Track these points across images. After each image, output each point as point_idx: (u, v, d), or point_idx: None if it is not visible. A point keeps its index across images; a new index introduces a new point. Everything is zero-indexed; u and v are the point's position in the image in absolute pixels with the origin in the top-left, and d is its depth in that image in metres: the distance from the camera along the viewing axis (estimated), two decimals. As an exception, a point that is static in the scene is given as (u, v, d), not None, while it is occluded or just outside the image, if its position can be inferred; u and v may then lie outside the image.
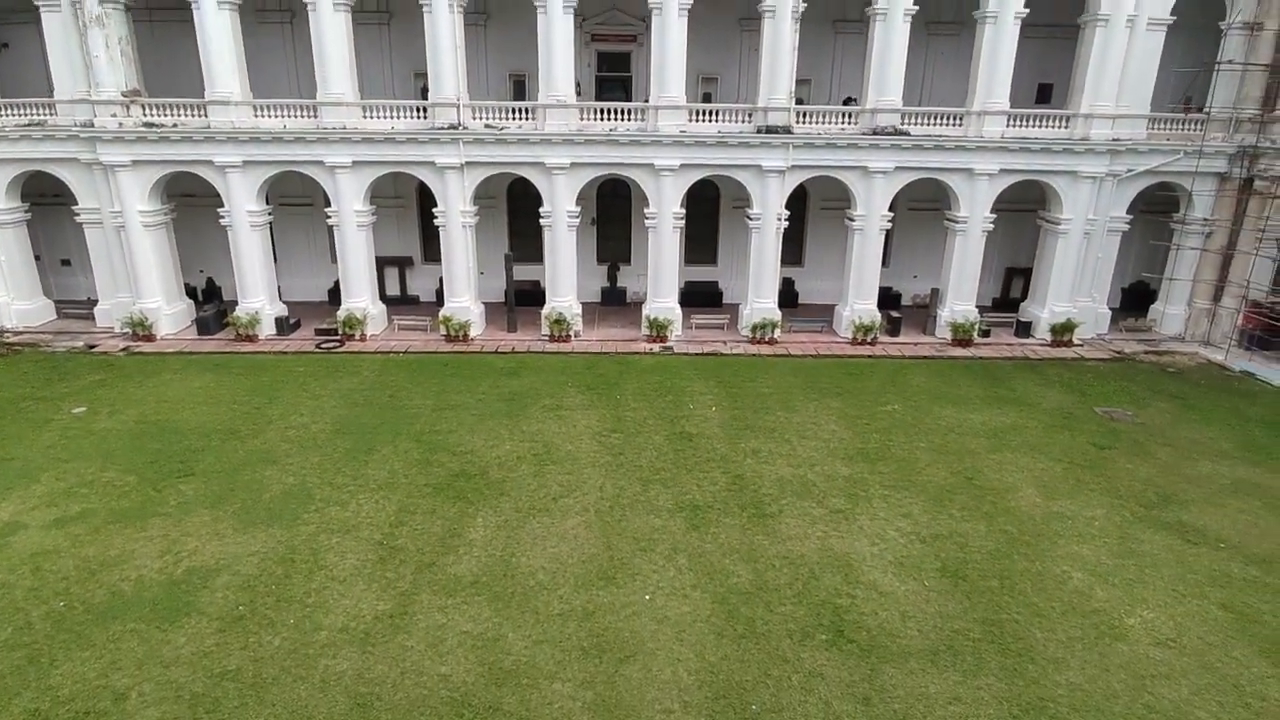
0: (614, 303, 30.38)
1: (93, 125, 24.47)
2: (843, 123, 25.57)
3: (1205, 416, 20.86)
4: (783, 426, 19.47)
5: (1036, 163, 25.63)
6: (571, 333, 26.08)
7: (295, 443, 18.30)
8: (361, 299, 26.39)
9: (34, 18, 24.52)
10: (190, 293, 28.60)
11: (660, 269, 26.40)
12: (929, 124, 25.48)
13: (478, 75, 27.57)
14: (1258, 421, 20.65)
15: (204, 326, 26.51)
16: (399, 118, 25.23)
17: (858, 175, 25.65)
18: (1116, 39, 24.65)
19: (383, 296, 28.51)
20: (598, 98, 28.09)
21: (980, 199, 25.97)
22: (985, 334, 27.04)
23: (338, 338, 25.73)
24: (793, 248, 29.62)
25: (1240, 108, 26.11)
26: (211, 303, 28.60)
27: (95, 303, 27.36)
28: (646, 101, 25.45)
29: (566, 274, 26.32)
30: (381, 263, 28.59)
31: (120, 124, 24.44)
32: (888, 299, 28.90)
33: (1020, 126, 25.53)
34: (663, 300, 26.56)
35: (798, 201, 27.64)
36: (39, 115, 25.36)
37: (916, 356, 25.40)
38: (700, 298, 29.63)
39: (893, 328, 27.17)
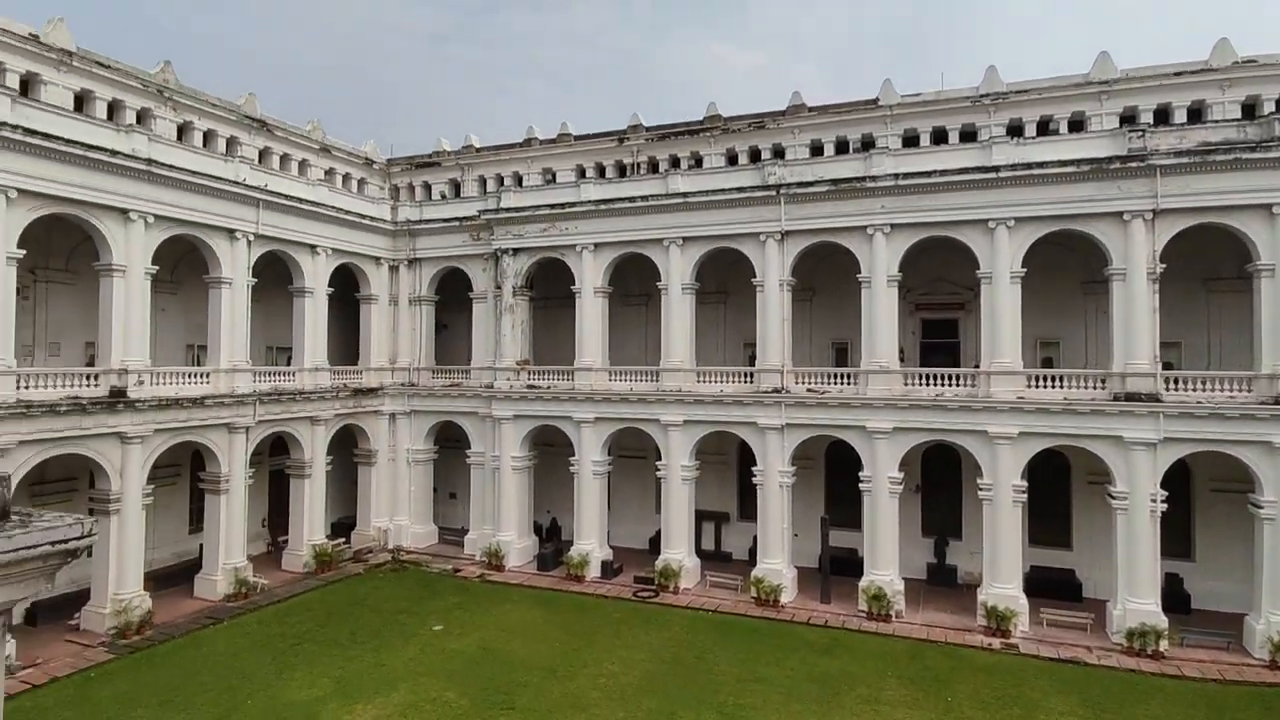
0: (941, 582, 27.14)
1: (491, 387, 30.64)
2: (1232, 390, 21.76)
3: None
4: (1185, 779, 14.77)
5: None
6: (892, 612, 23.65)
7: (604, 691, 18.54)
8: (679, 551, 27.34)
9: (465, 307, 32.91)
10: (536, 529, 32.40)
11: (998, 549, 23.41)
12: (1365, 392, 20.51)
13: (801, 343, 29.31)
14: None
15: (543, 562, 29.47)
16: (727, 382, 27.50)
17: (1261, 453, 21.04)
18: None
19: (698, 550, 29.25)
20: (922, 363, 27.87)
21: None
22: None
23: (653, 587, 26.60)
24: (1178, 536, 24.35)
25: None
26: (551, 540, 31.96)
27: (466, 531, 32.25)
28: (977, 367, 24.54)
29: (887, 545, 24.62)
30: (699, 516, 29.79)
31: (511, 386, 30.25)
32: (1330, 612, 21.75)
33: None
34: (1002, 586, 23.16)
35: (1178, 480, 23.25)
36: (457, 379, 32.70)
37: (1396, 704, 18.17)
38: (1051, 587, 25.09)
39: (1344, 655, 20.09)
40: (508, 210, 30.50)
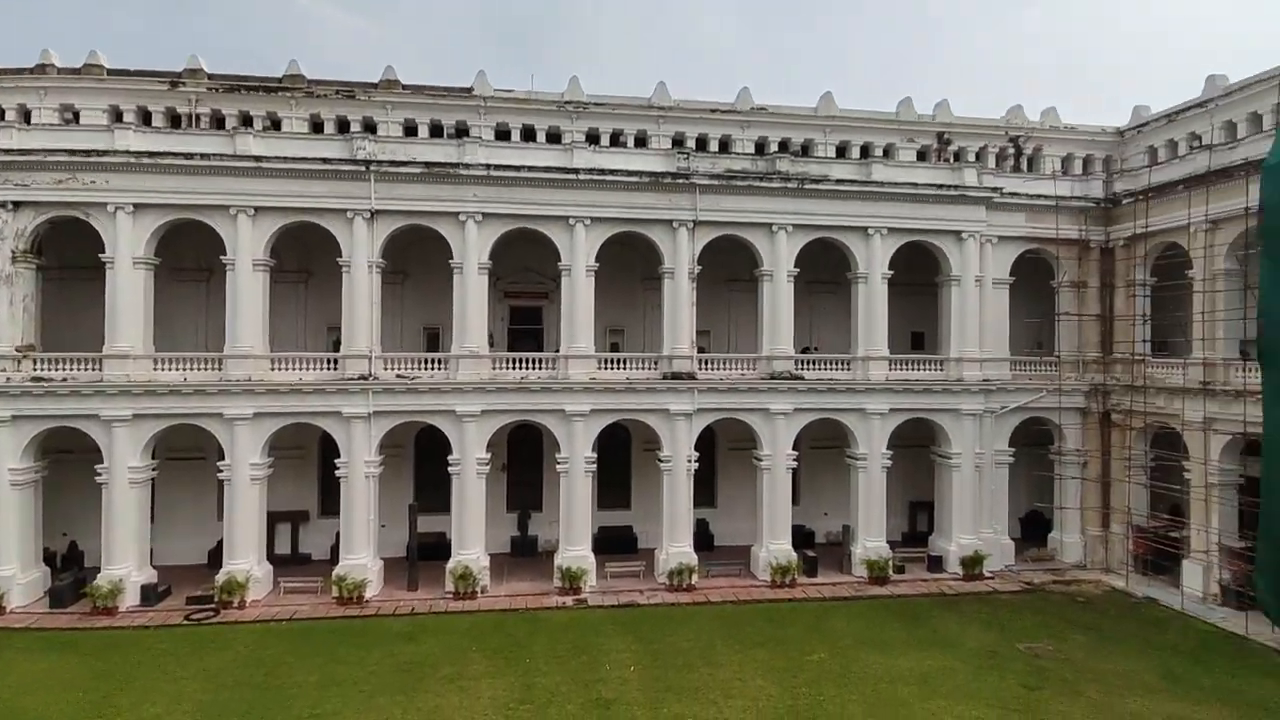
0: (525, 553, 29.05)
1: (-24, 381, 23.26)
2: (743, 369, 27.30)
3: (1122, 648, 20.82)
4: (707, 685, 18.08)
5: (921, 402, 27.74)
6: (478, 588, 24.37)
7: (142, 739, 15.52)
8: (245, 560, 24.20)
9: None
10: (49, 558, 25.64)
11: (572, 515, 25.82)
12: (820, 369, 27.54)
13: (392, 329, 28.36)
14: (1171, 650, 20.73)
15: (58, 598, 23.39)
16: (308, 369, 25.27)
17: (761, 417, 26.87)
18: (970, 295, 28.26)
19: (271, 556, 26.36)
20: (510, 349, 29.21)
21: (876, 436, 27.44)
22: (900, 570, 27.04)
23: (213, 606, 23.09)
24: (705, 489, 29.78)
25: (1084, 351, 29.71)
26: (70, 570, 25.61)
27: (-68, 573, 23.99)
28: (557, 351, 26.61)
29: (475, 524, 25.29)
30: (273, 518, 26.84)
31: (9, 379, 23.37)
32: (802, 537, 28.94)
33: (902, 370, 27.96)
34: (575, 549, 25.64)
35: (707, 444, 28.42)
36: (-84, 371, 24.03)
37: (836, 598, 24.87)
38: (615, 544, 28.77)
39: (810, 567, 26.86)
40: (5, 151, 23.41)
